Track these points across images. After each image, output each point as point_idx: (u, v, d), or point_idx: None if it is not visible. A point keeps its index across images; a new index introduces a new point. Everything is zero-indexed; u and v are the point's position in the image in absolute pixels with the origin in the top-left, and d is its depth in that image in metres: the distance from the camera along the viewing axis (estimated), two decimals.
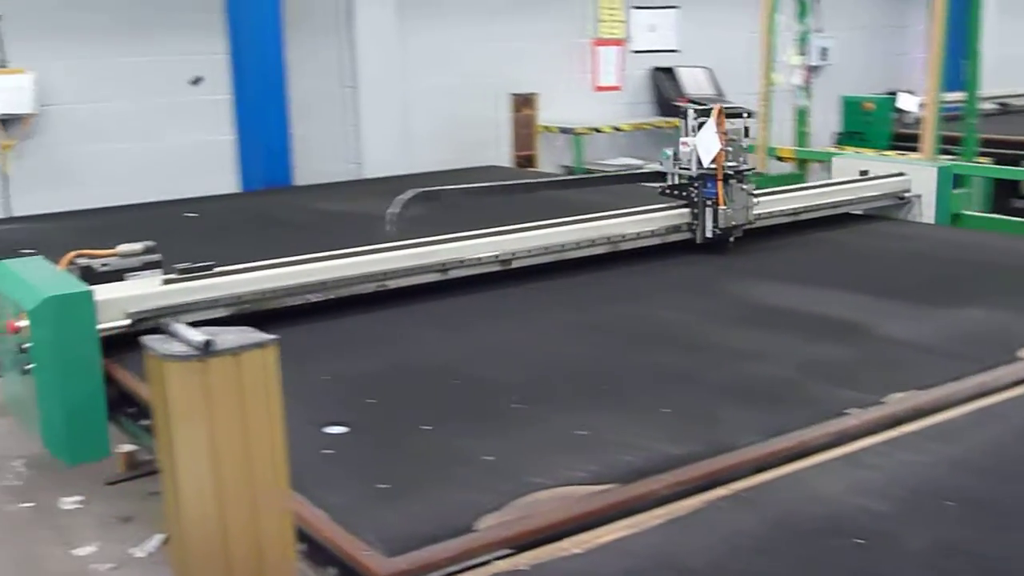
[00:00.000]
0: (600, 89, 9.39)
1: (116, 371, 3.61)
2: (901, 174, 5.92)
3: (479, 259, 4.58)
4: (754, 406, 3.06)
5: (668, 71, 9.62)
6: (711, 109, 4.97)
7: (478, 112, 8.68)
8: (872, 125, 8.46)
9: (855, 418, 2.91)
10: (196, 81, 7.68)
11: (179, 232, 5.91)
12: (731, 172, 4.97)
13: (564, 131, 8.77)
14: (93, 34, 7.35)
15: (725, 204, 4.90)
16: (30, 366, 3.48)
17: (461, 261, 4.55)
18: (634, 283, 4.67)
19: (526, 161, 8.46)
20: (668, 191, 5.17)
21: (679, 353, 3.61)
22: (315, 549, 2.30)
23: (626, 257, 4.98)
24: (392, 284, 4.37)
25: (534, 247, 4.71)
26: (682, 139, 5.08)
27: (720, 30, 9.93)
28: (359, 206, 6.47)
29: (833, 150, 7.78)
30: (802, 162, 7.87)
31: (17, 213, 7.00)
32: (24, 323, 3.47)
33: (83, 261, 3.96)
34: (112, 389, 3.63)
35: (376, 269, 4.36)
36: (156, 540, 4.73)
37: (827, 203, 5.72)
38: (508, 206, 5.48)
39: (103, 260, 4.00)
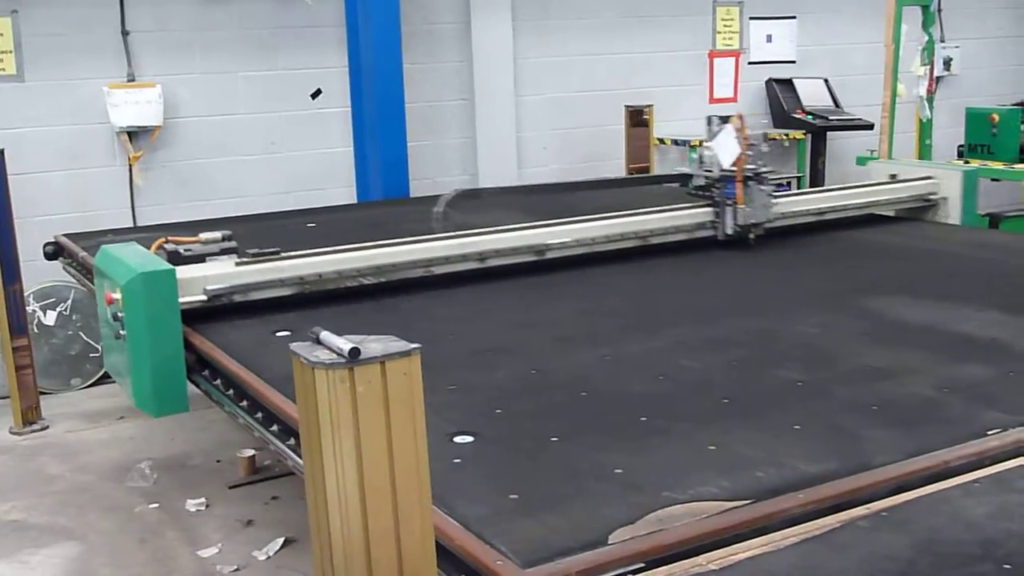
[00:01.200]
0: (715, 101, 9.30)
1: (194, 338, 4.15)
2: (929, 177, 6.17)
3: (514, 248, 5.09)
4: (890, 424, 2.98)
5: (785, 82, 9.47)
6: (730, 117, 5.49)
7: (592, 125, 8.67)
8: (998, 137, 8.22)
9: (998, 439, 2.81)
10: (316, 94, 7.82)
11: (299, 242, 6.01)
12: (750, 174, 5.37)
13: (678, 143, 8.71)
14: (217, 49, 7.54)
15: (744, 204, 5.32)
16: (123, 332, 4.07)
17: (497, 251, 5.07)
18: (757, 294, 4.61)
19: (640, 173, 8.41)
20: (694, 191, 5.59)
21: (805, 368, 3.54)
22: (448, 558, 2.31)
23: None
24: (437, 270, 4.91)
25: (569, 240, 5.21)
26: (706, 144, 5.58)
27: (839, 40, 9.76)
28: (474, 217, 6.51)
29: (957, 163, 7.59)
30: None
31: (143, 223, 7.21)
32: (118, 296, 4.08)
33: (170, 246, 4.65)
34: (190, 354, 4.14)
35: (422, 256, 4.89)
36: (277, 544, 4.82)
37: (856, 204, 6.09)
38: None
39: (187, 245, 4.68)
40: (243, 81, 7.65)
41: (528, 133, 8.53)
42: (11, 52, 6.95)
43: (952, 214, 6.05)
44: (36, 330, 7.03)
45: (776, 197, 5.64)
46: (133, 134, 7.30)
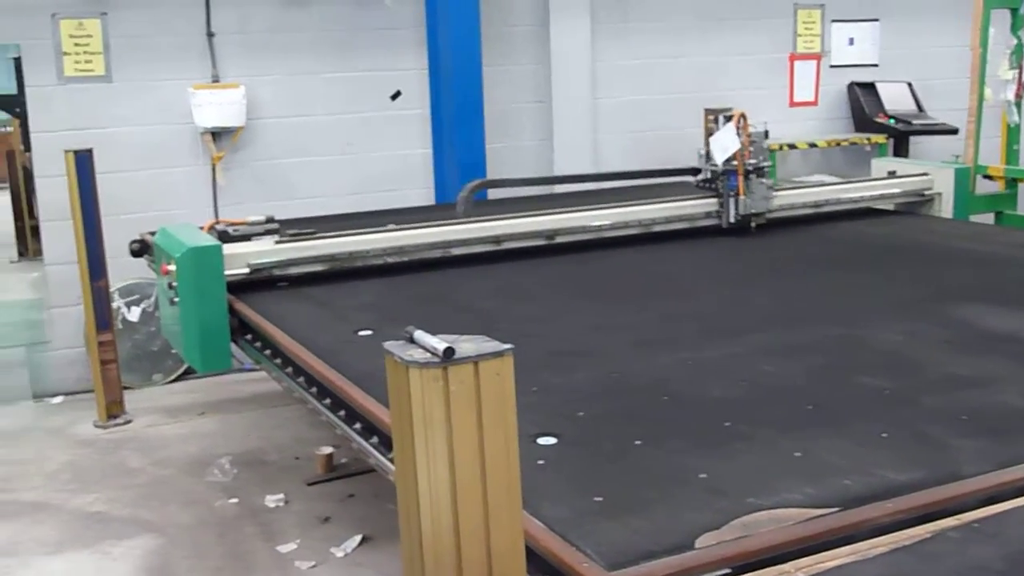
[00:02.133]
0: (796, 104, 9.21)
1: (238, 305, 4.74)
2: (925, 174, 6.57)
3: (526, 233, 5.64)
4: (979, 434, 2.93)
5: (867, 86, 9.34)
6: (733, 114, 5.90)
7: (670, 128, 8.62)
8: None
9: None
10: (395, 96, 7.88)
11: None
12: (751, 168, 5.89)
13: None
14: (298, 51, 7.63)
15: (744, 195, 5.83)
16: (176, 299, 4.69)
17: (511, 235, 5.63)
18: (836, 301, 4.56)
19: None
20: (701, 184, 6.09)
21: (890, 376, 3.49)
22: (533, 559, 2.31)
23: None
24: (455, 251, 5.46)
25: (578, 227, 5.77)
26: (709, 139, 6.03)
27: (923, 44, 9.59)
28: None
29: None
30: (1012, 181, 7.52)
31: None
32: (172, 267, 4.70)
33: (220, 227, 5.30)
34: (234, 319, 4.73)
35: (440, 239, 5.45)
36: (354, 541, 4.87)
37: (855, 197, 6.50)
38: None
39: (235, 226, 5.31)
40: (323, 82, 7.74)
41: (605, 136, 8.51)
42: (100, 53, 7.11)
43: (945, 209, 6.43)
44: (120, 326, 7.18)
45: (776, 190, 6.14)
46: (216, 134, 7.42)
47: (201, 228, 5.29)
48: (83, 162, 6.39)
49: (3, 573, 4.75)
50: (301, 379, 4.03)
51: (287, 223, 5.70)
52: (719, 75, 8.86)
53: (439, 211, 7.25)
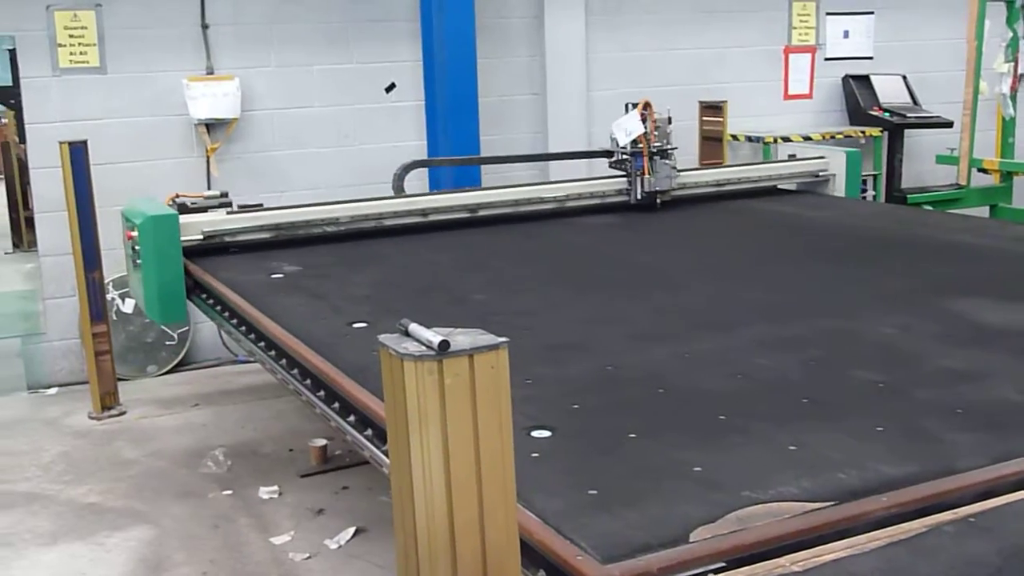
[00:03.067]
0: (790, 97, 9.21)
1: (192, 267, 5.43)
2: (821, 157, 7.13)
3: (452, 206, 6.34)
4: (974, 428, 2.93)
5: (862, 79, 9.34)
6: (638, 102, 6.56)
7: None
8: None
9: None
10: (390, 88, 7.87)
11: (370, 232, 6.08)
12: (655, 150, 6.53)
13: (752, 140, 8.64)
14: (293, 42, 7.62)
15: (649, 174, 6.45)
16: (138, 261, 5.39)
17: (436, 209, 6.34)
18: (835, 292, 4.56)
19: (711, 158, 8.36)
20: (613, 164, 6.71)
21: (883, 369, 3.49)
22: (527, 552, 2.31)
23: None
24: (388, 223, 6.14)
25: (506, 200, 6.45)
26: (613, 124, 6.65)
27: (918, 36, 9.60)
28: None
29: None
30: (1007, 174, 7.53)
31: None
32: (135, 233, 5.40)
33: (180, 200, 5.90)
34: (189, 279, 5.44)
35: (373, 212, 6.12)
36: (348, 533, 4.87)
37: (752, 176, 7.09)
38: None
39: (193, 199, 5.95)
40: (317, 74, 7.73)
41: (599, 128, 8.47)
42: (95, 45, 7.09)
43: (839, 188, 6.99)
44: (115, 317, 7.18)
45: (679, 170, 6.75)
46: (211, 126, 7.41)
47: (164, 201, 5.91)
48: (78, 153, 6.38)
49: None
50: (295, 371, 4.02)
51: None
52: (714, 68, 8.86)
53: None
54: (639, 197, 6.55)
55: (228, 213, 5.81)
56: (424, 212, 6.27)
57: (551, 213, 6.52)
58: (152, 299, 5.37)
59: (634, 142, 6.48)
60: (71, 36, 7.05)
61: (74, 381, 7.24)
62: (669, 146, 6.59)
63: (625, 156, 6.58)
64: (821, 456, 2.75)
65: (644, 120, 6.42)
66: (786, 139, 8.57)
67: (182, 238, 5.47)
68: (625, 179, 6.62)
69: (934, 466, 2.66)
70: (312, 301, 4.65)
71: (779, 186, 7.10)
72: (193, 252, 5.54)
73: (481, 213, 6.37)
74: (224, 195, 6.02)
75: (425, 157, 7.90)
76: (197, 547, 4.83)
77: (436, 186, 7.76)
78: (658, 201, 6.59)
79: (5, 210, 11.88)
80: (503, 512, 1.95)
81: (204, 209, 5.81)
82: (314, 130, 7.75)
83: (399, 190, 6.47)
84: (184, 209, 5.72)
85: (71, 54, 7.07)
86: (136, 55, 7.21)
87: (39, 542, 4.95)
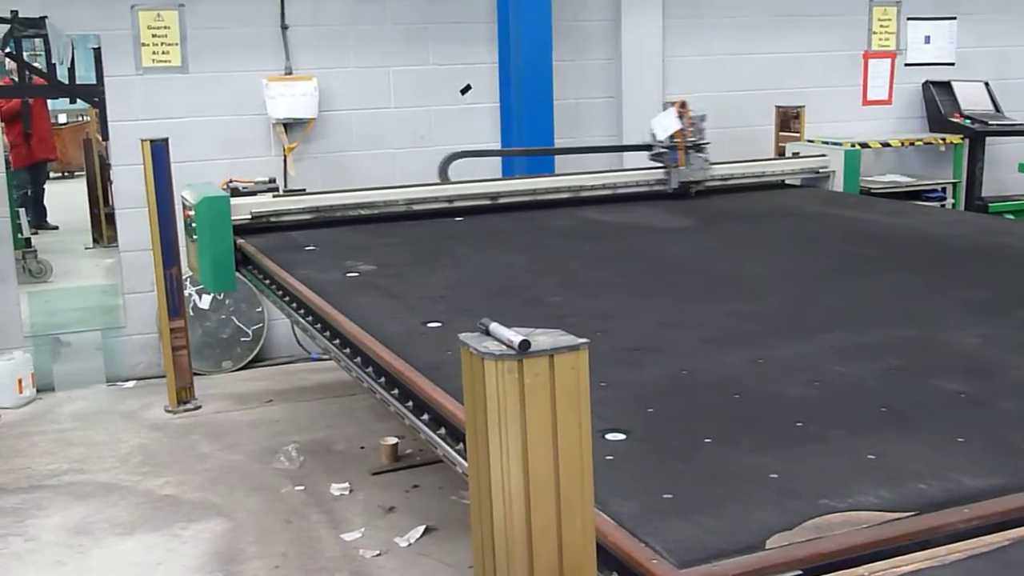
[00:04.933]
0: (869, 103, 9.07)
1: (241, 243, 5.96)
2: (822, 155, 7.59)
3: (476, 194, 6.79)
4: None
5: (943, 85, 9.17)
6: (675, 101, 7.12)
7: (742, 125, 8.55)
8: None
9: None
10: (465, 90, 7.90)
11: (448, 234, 6.10)
12: (690, 144, 7.05)
13: (829, 145, 8.51)
14: (370, 44, 7.69)
15: (684, 166, 7.00)
16: (195, 236, 5.95)
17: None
18: (917, 301, 4.49)
19: None
20: (653, 157, 7.21)
21: (965, 379, 3.42)
22: (602, 555, 2.30)
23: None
24: (417, 207, 6.56)
25: (562, 186, 6.98)
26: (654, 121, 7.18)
27: (1001, 43, 9.41)
28: (619, 215, 6.51)
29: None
30: None
31: None
32: (192, 212, 5.95)
33: (232, 184, 6.31)
34: (238, 253, 5.97)
35: (402, 197, 6.55)
36: (418, 531, 4.90)
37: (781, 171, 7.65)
38: None
39: (244, 184, 6.35)
40: (394, 75, 7.79)
41: None
42: (177, 44, 7.23)
43: (838, 184, 7.42)
44: (191, 313, 7.30)
45: (712, 163, 7.21)
46: (288, 125, 7.50)
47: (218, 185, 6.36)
48: (159, 151, 6.50)
49: (78, 552, 4.86)
50: (369, 369, 4.05)
51: None
52: (792, 72, 8.77)
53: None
54: (675, 187, 7.09)
55: (274, 196, 6.34)
56: (450, 199, 6.71)
57: (602, 198, 7.07)
58: (206, 270, 5.95)
59: (671, 137, 7.00)
60: (154, 35, 7.19)
61: (152, 375, 7.38)
62: (703, 141, 7.12)
63: (663, 150, 7.12)
64: (900, 466, 2.70)
65: (680, 117, 6.98)
66: (864, 145, 8.45)
67: (233, 218, 6.00)
68: (663, 171, 7.14)
69: (1017, 478, 2.60)
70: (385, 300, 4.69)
71: (786, 181, 7.63)
72: (243, 230, 6.08)
73: (546, 197, 6.93)
74: (272, 181, 6.49)
75: (501, 159, 7.93)
76: (269, 541, 4.89)
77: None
78: (692, 191, 7.11)
79: (86, 206, 12.13)
80: (580, 514, 1.95)
81: (253, 193, 6.33)
82: (390, 130, 7.81)
83: (444, 178, 6.93)
84: (236, 192, 6.23)
85: (154, 53, 7.21)
86: (217, 55, 7.33)
87: (117, 532, 5.05)
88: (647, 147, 7.27)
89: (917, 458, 2.76)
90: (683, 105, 7.04)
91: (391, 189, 6.64)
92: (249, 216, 6.15)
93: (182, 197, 6.24)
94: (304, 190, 6.62)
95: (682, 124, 7.03)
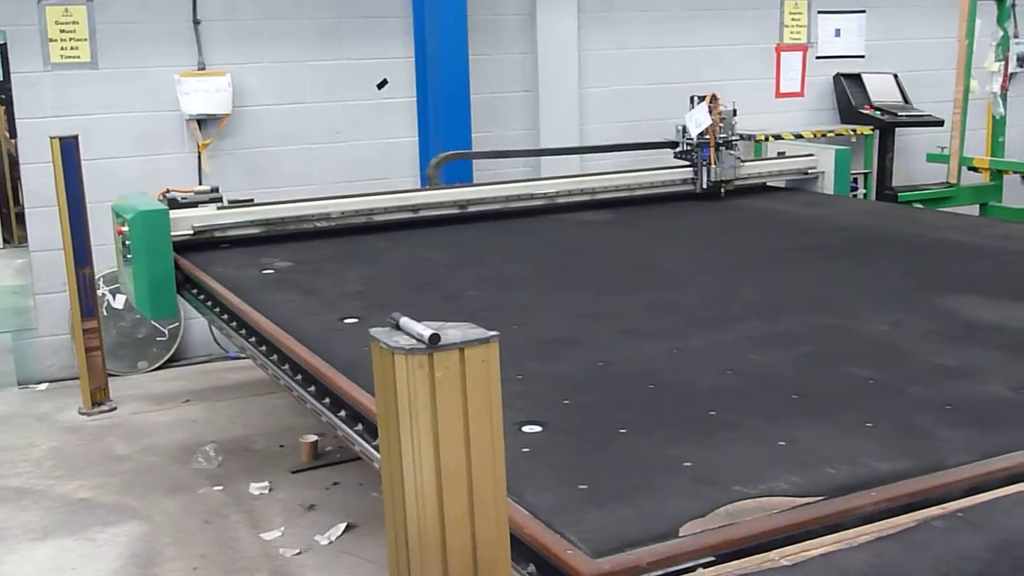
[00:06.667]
0: (782, 95, 9.22)
1: (182, 262, 5.42)
2: (810, 154, 7.26)
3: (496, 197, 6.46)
4: (964, 424, 2.94)
5: (853, 77, 9.35)
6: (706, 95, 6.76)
7: (657, 118, 8.61)
8: None
9: None
10: (382, 84, 7.86)
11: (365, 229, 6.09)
12: (721, 141, 6.71)
13: (743, 138, 8.62)
14: (285, 38, 7.61)
15: (716, 164, 6.64)
16: (129, 256, 5.39)
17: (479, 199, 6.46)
18: (828, 289, 4.57)
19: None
20: (679, 155, 6.93)
21: (874, 365, 3.50)
22: (517, 547, 2.31)
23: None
24: (377, 218, 6.13)
25: (577, 189, 6.68)
26: (685, 116, 6.88)
27: (909, 35, 9.61)
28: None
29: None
30: (997, 173, 7.55)
31: None
32: (126, 228, 5.38)
33: (170, 194, 5.88)
34: (179, 273, 5.42)
35: (364, 207, 6.12)
36: (339, 529, 4.87)
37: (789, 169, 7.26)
38: None
39: (183, 194, 5.90)
40: (310, 70, 7.72)
41: (592, 126, 8.51)
42: (86, 40, 7.07)
43: (828, 186, 7.09)
44: (105, 313, 7.16)
45: (743, 161, 6.92)
46: (202, 121, 7.39)
47: (154, 196, 5.91)
48: (68, 148, 6.36)
49: None
50: (286, 366, 4.02)
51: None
52: (706, 65, 8.86)
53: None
54: (704, 187, 6.75)
55: (219, 208, 5.82)
56: (415, 208, 6.28)
57: (622, 201, 6.77)
58: (143, 294, 5.38)
59: (700, 133, 6.70)
60: (62, 31, 7.03)
61: (65, 377, 7.23)
62: (734, 137, 6.82)
63: (691, 147, 6.80)
64: (811, 451, 2.76)
65: (711, 112, 6.65)
66: (777, 137, 8.58)
67: (172, 233, 5.48)
68: (691, 169, 6.85)
69: (924, 461, 2.67)
70: (304, 296, 4.65)
71: (768, 183, 7.20)
72: (184, 247, 5.55)
73: (564, 201, 6.62)
74: (215, 190, 6.01)
75: (418, 152, 7.91)
76: (188, 542, 4.82)
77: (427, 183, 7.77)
78: (722, 191, 6.78)
79: None
80: (493, 506, 1.96)
81: (195, 204, 5.82)
82: (306, 126, 7.74)
83: (432, 181, 6.57)
84: (175, 204, 5.74)
85: (62, 49, 7.05)
86: (128, 50, 7.19)
87: (30, 537, 4.94)
88: (672, 144, 7.00)
89: (827, 443, 2.82)
90: (714, 98, 6.72)
91: (351, 198, 6.18)
92: (191, 231, 5.66)
93: (113, 210, 5.75)
94: (252, 200, 6.04)
95: (712, 119, 6.70)
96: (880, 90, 9.30)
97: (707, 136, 6.70)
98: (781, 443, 2.83)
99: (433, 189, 6.54)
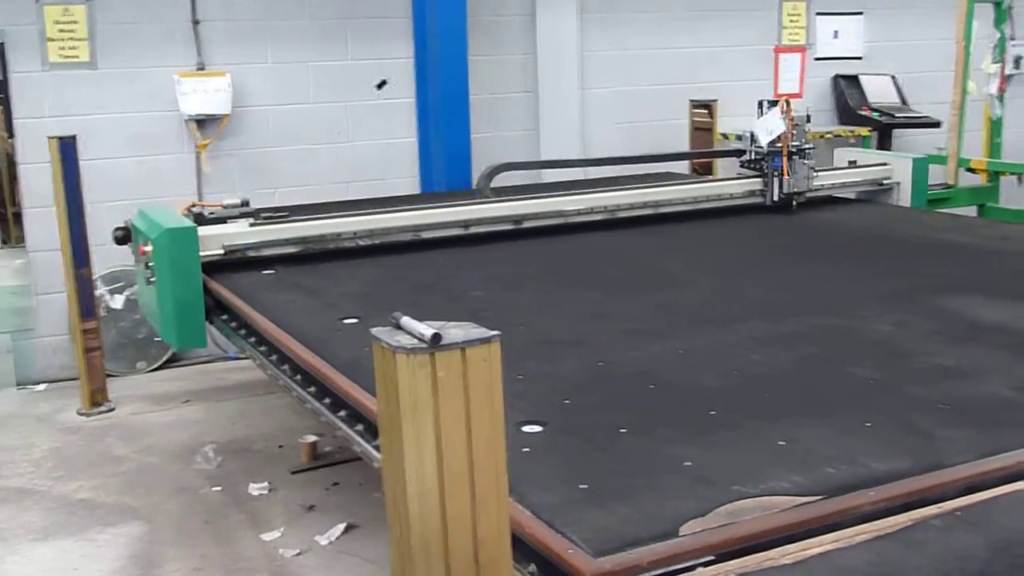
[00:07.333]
0: (780, 96, 9.19)
1: (213, 285, 4.89)
2: (884, 164, 6.82)
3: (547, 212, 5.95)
4: (963, 424, 2.95)
5: (851, 79, 9.36)
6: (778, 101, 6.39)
7: (657, 119, 8.64)
8: None
9: None
10: (381, 85, 7.87)
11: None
12: (794, 149, 6.29)
13: (742, 138, 8.63)
14: (286, 39, 7.61)
15: (788, 175, 6.23)
16: (153, 278, 4.86)
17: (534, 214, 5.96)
18: (828, 290, 4.58)
19: (704, 169, 8.36)
20: (746, 164, 6.52)
21: (875, 366, 3.51)
22: (519, 546, 2.32)
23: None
24: (425, 235, 5.61)
25: (637, 202, 6.15)
26: (755, 123, 6.46)
27: (907, 37, 9.63)
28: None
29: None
30: (994, 174, 7.55)
31: None
32: (149, 248, 4.86)
33: (196, 209, 5.49)
34: (209, 298, 4.90)
35: (411, 223, 5.59)
36: (339, 529, 4.87)
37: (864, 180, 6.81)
38: None
39: (211, 209, 5.47)
40: (310, 71, 7.72)
41: (592, 127, 8.51)
42: (85, 40, 7.08)
43: (904, 198, 6.68)
44: (104, 313, 7.16)
45: (817, 170, 6.46)
46: (202, 122, 7.39)
47: (178, 211, 5.42)
48: (67, 149, 6.36)
49: None
50: (285, 366, 4.02)
51: (271, 211, 5.70)
52: (705, 66, 8.87)
53: (426, 199, 7.27)
54: (776, 199, 6.29)
55: (251, 224, 5.29)
56: (466, 224, 5.77)
57: (685, 214, 6.28)
58: (168, 321, 4.84)
59: (772, 141, 6.28)
60: (61, 31, 7.03)
61: (64, 377, 7.22)
62: (807, 145, 6.38)
63: (760, 155, 6.36)
64: (811, 451, 2.77)
65: (783, 117, 6.23)
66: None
67: (201, 253, 4.94)
68: (760, 180, 6.41)
69: (923, 461, 2.68)
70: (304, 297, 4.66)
71: (836, 195, 6.76)
72: (212, 268, 5.03)
73: (626, 215, 6.15)
74: (245, 204, 5.52)
75: (417, 154, 7.92)
76: (188, 543, 4.83)
77: (428, 186, 7.78)
78: (794, 203, 6.33)
79: None
80: (495, 506, 1.96)
81: (223, 219, 5.36)
82: (306, 126, 7.74)
83: (484, 192, 6.08)
84: (201, 220, 5.27)
85: (61, 49, 7.05)
86: (127, 50, 7.20)
87: (31, 537, 4.95)
88: (738, 152, 6.57)
89: (828, 443, 2.82)
90: (787, 104, 6.28)
91: (396, 213, 5.62)
92: (221, 251, 5.10)
93: (131, 226, 5.30)
94: (287, 214, 5.46)
95: (784, 126, 6.22)
96: (878, 91, 9.32)
97: (779, 144, 6.24)
98: (781, 443, 2.84)
99: (484, 202, 6.00)
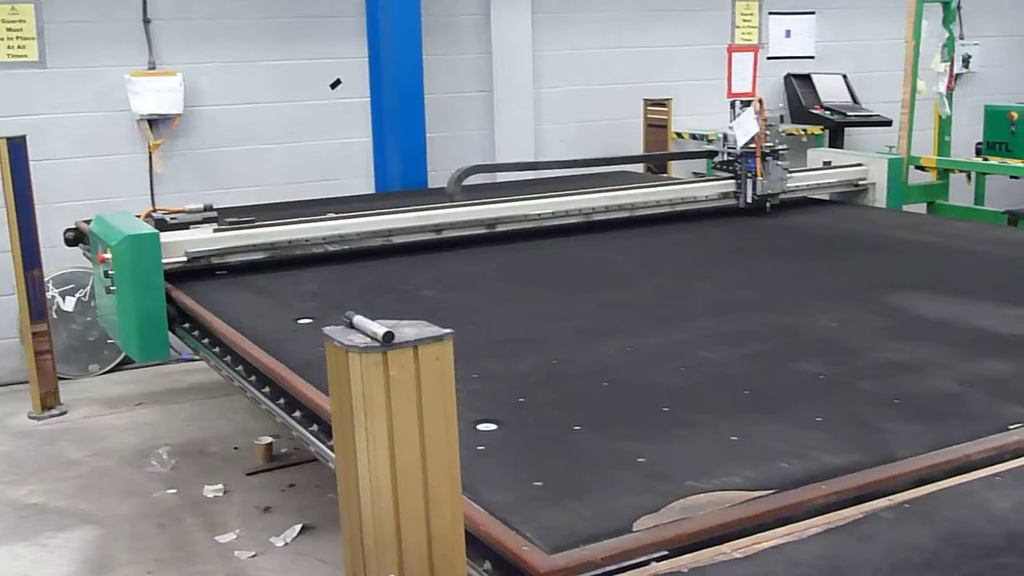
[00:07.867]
0: (733, 95, 9.26)
1: (176, 294, 4.72)
2: (859, 164, 6.74)
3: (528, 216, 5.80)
4: (911, 417, 2.99)
5: (803, 78, 9.45)
6: (751, 100, 6.25)
7: (611, 118, 8.68)
8: (1017, 135, 8.20)
9: (1020, 433, 2.82)
10: (335, 84, 7.84)
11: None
12: (767, 151, 6.14)
13: (696, 137, 8.70)
14: (238, 38, 7.55)
15: (762, 176, 6.08)
16: (112, 287, 4.64)
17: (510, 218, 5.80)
18: (779, 287, 4.62)
19: (658, 168, 8.40)
20: (719, 165, 6.35)
21: (824, 362, 3.55)
22: (474, 544, 2.32)
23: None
24: (396, 239, 5.46)
25: (612, 205, 6.00)
26: (730, 124, 6.32)
27: (858, 36, 9.74)
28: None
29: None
30: (944, 172, 7.66)
31: None
32: (108, 256, 4.65)
33: (158, 214, 5.26)
34: (172, 307, 4.72)
35: (383, 227, 5.46)
36: (294, 530, 4.85)
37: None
38: None
39: (173, 214, 5.25)
40: (264, 70, 7.67)
41: (546, 126, 8.54)
42: (34, 39, 6.99)
43: (880, 198, 6.61)
44: (55, 316, 7.07)
45: (790, 172, 6.33)
46: (154, 122, 7.32)
47: (138, 216, 5.25)
48: (16, 149, 6.27)
49: None
50: (239, 368, 4.00)
51: (227, 211, 5.66)
52: (659, 66, 8.92)
53: (381, 199, 7.25)
54: (749, 200, 6.14)
55: (216, 230, 5.13)
56: (438, 228, 5.62)
57: (663, 217, 6.15)
58: (129, 333, 4.64)
59: (748, 143, 6.14)
60: (9, 29, 6.94)
61: (14, 381, 7.13)
62: (781, 146, 6.25)
63: (733, 156, 6.19)
64: (763, 446, 2.80)
65: (757, 118, 6.07)
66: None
67: (163, 260, 4.76)
68: (734, 182, 6.25)
69: (873, 455, 2.71)
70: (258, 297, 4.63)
71: (811, 196, 6.69)
72: (175, 276, 4.87)
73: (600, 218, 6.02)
74: (208, 208, 5.35)
75: (372, 153, 7.90)
76: (142, 547, 4.78)
77: (383, 185, 7.76)
78: (768, 205, 6.21)
79: None
80: (449, 504, 1.96)
81: (186, 225, 5.18)
82: (260, 126, 7.69)
83: (454, 195, 5.86)
84: (163, 226, 5.05)
85: (9, 47, 6.96)
86: (77, 49, 7.11)
87: None
88: (710, 154, 6.41)
89: (779, 438, 2.85)
90: (760, 104, 6.11)
91: (367, 218, 5.47)
92: (184, 258, 4.93)
93: (91, 234, 5.10)
94: (253, 220, 5.31)
95: (758, 126, 6.05)
96: (830, 90, 9.41)
97: (752, 145, 6.09)
98: (734, 438, 2.86)
99: (456, 206, 5.80)
